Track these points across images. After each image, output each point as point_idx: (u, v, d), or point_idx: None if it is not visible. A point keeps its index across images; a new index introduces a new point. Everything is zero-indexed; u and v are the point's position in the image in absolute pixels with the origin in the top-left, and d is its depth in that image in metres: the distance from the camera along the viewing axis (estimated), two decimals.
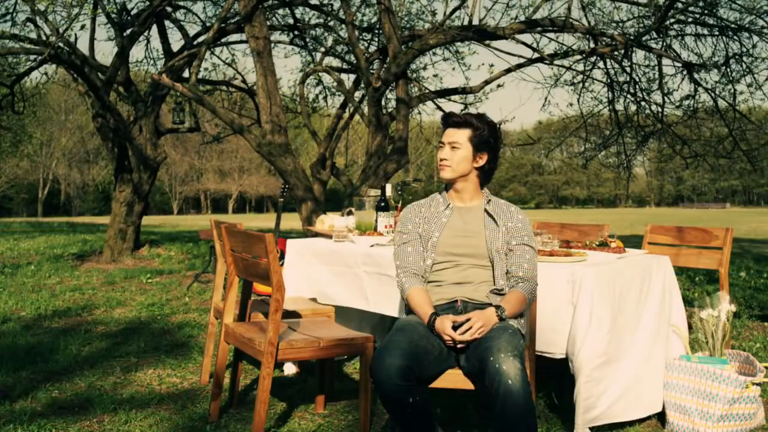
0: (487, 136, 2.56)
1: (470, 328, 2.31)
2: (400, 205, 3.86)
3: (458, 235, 2.57)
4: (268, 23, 7.77)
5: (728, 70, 7.72)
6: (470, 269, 2.54)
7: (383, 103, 8.36)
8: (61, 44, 7.51)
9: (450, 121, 2.61)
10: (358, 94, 8.58)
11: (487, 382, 2.16)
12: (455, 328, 2.33)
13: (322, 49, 9.27)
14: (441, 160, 2.59)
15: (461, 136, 2.56)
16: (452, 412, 3.04)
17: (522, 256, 2.53)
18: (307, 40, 9.38)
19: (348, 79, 9.20)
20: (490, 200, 2.64)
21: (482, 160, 2.58)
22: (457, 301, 2.52)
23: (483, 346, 2.25)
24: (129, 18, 8.45)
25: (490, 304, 2.48)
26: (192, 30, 10.03)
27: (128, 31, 8.20)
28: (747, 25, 7.38)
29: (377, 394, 2.24)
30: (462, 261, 2.54)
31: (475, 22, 6.68)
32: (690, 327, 3.16)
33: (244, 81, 10.23)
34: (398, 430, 2.33)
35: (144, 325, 4.89)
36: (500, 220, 2.58)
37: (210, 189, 53.65)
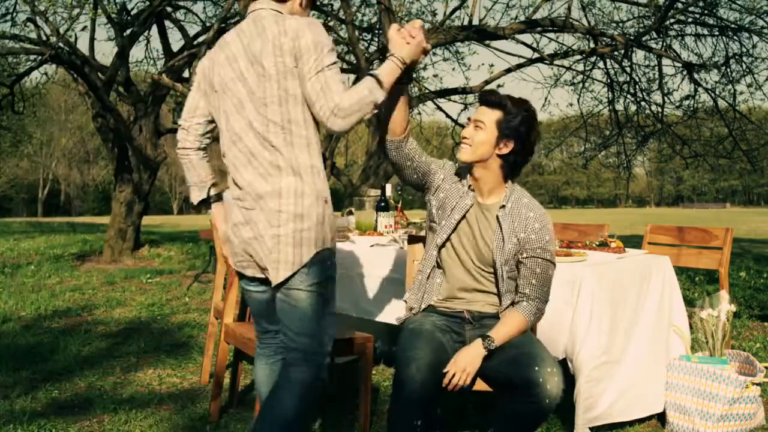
0: (518, 124, 2.27)
1: (454, 376, 2.16)
2: (400, 205, 3.86)
3: (470, 231, 2.38)
4: None
5: (728, 70, 7.73)
6: (478, 273, 2.39)
7: None
8: (61, 44, 7.52)
9: (484, 98, 2.35)
10: None
11: (521, 385, 2.10)
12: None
13: None
14: (462, 138, 2.35)
15: (489, 116, 2.29)
16: (452, 413, 3.04)
17: (532, 270, 2.29)
18: None
19: (348, 80, 9.19)
20: (504, 205, 2.35)
21: (506, 148, 2.29)
22: (464, 311, 2.41)
23: (517, 352, 2.19)
24: (129, 18, 8.46)
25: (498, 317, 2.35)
26: (192, 30, 10.06)
27: (128, 31, 8.20)
28: (747, 26, 7.38)
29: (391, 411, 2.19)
30: (469, 262, 2.39)
31: (475, 22, 6.68)
32: (690, 327, 3.16)
33: None
34: None
35: (144, 325, 4.89)
36: (510, 230, 2.32)
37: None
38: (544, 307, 2.35)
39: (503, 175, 2.36)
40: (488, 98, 2.33)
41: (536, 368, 2.08)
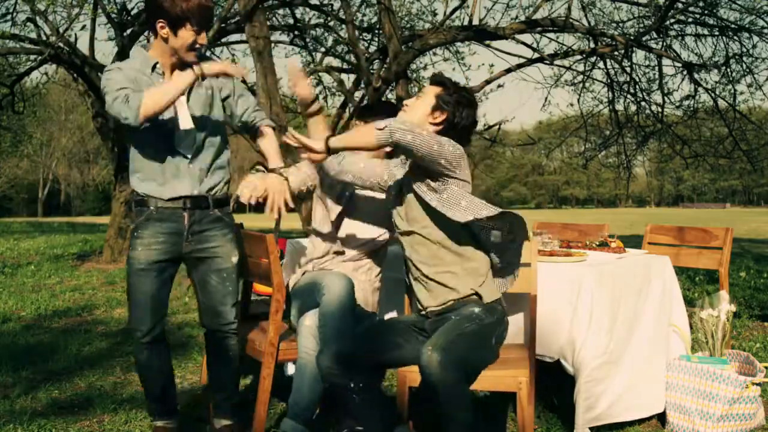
0: (454, 100, 2.43)
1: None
2: None
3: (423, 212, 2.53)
4: (268, 23, 7.77)
5: (728, 70, 7.73)
6: (447, 250, 2.47)
7: None
8: (61, 44, 7.51)
9: (432, 78, 2.56)
10: (358, 94, 8.58)
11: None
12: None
13: (322, 49, 9.27)
14: (403, 104, 2.57)
15: (431, 90, 2.49)
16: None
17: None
18: (307, 40, 9.37)
19: (348, 79, 9.21)
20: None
21: (439, 118, 2.45)
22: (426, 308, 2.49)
23: None
24: (129, 18, 8.45)
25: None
26: None
27: (128, 31, 8.19)
28: (747, 26, 7.39)
29: None
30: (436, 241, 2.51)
31: (475, 22, 6.69)
32: (690, 327, 3.16)
33: (244, 81, 10.19)
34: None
35: None
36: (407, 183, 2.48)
37: None
38: (403, 136, 2.19)
39: None
40: (434, 78, 2.49)
41: (422, 350, 2.14)
